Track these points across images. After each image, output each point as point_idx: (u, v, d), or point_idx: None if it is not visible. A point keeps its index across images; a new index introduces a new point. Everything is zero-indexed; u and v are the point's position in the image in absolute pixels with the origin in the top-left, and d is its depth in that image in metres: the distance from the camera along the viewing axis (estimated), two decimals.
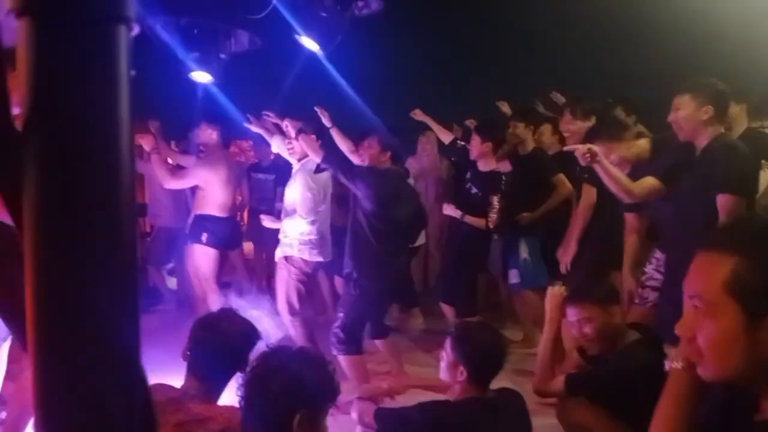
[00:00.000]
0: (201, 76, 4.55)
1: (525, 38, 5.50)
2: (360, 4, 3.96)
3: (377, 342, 3.81)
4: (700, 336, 1.00)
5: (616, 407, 2.36)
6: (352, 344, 3.53)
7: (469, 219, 4.29)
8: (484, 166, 4.32)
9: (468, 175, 4.41)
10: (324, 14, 3.82)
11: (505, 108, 4.97)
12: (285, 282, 3.93)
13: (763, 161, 3.97)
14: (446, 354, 2.27)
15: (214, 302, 4.34)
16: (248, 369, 1.65)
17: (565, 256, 3.82)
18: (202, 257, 4.60)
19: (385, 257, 3.55)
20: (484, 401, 2.21)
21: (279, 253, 4.00)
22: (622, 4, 4.90)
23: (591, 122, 3.87)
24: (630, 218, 3.36)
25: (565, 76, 5.08)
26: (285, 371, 1.56)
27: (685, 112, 2.84)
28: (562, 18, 5.21)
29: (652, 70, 4.16)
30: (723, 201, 2.66)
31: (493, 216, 4.21)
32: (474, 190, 4.35)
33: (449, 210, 4.39)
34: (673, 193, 2.97)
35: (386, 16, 4.33)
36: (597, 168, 2.90)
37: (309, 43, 4.02)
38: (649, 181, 3.01)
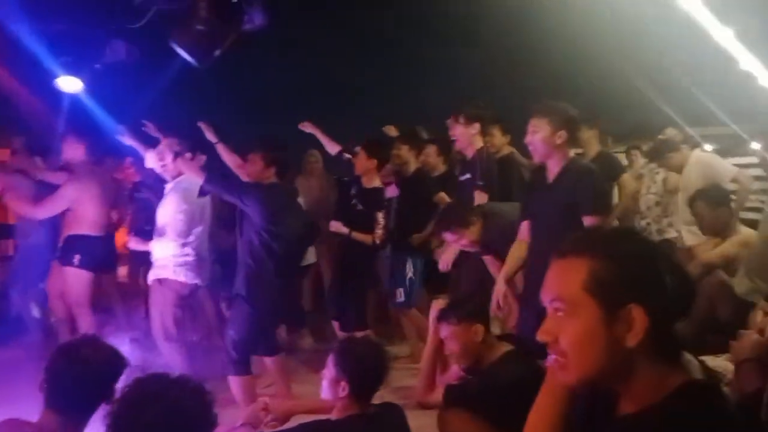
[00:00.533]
0: (69, 84, 4.28)
1: (415, 61, 5.65)
2: (243, 18, 3.89)
3: (267, 360, 3.75)
4: (562, 338, 1.06)
5: (492, 417, 2.43)
6: (243, 364, 3.47)
7: (356, 235, 4.32)
8: (368, 182, 4.39)
9: (353, 191, 4.45)
10: (200, 27, 3.72)
11: (392, 132, 5.06)
12: (159, 306, 3.75)
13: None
14: (328, 370, 2.25)
15: (88, 329, 4.06)
16: (117, 397, 1.54)
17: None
18: (74, 281, 4.29)
19: (276, 275, 3.50)
20: (365, 417, 2.20)
21: (152, 276, 3.80)
22: (499, 28, 5.18)
23: (475, 128, 4.04)
24: None
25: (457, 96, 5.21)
26: (159, 400, 1.47)
27: (541, 135, 2.99)
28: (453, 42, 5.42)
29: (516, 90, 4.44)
30: (589, 222, 2.85)
31: (379, 232, 4.28)
32: (359, 207, 4.39)
33: (336, 226, 4.39)
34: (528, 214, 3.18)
35: (275, 31, 4.31)
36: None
37: (187, 55, 3.91)
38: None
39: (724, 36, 4.94)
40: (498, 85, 5.37)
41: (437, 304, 2.74)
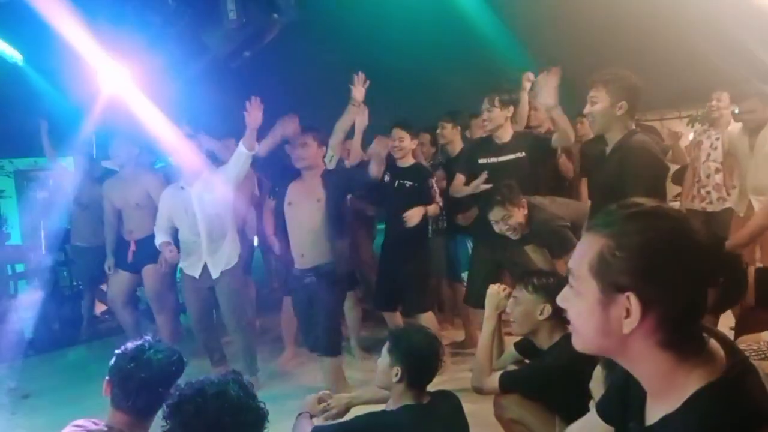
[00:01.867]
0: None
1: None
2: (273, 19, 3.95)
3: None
4: (568, 309, 1.08)
5: (549, 402, 2.42)
6: (335, 345, 3.79)
7: (430, 209, 4.13)
8: (404, 161, 4.26)
9: (387, 176, 4.22)
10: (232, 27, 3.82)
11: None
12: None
13: None
14: (382, 357, 2.28)
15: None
16: (179, 396, 1.60)
17: None
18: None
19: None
20: (420, 406, 2.22)
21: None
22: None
23: (509, 111, 3.92)
24: None
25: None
26: (219, 398, 1.54)
27: (601, 107, 2.82)
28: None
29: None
30: None
31: (440, 199, 4.24)
32: (408, 183, 4.21)
33: (415, 213, 4.05)
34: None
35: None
36: None
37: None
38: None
39: None
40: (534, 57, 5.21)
41: (493, 290, 2.71)
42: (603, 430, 1.29)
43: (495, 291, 2.69)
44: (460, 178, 4.12)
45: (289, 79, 5.63)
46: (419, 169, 4.29)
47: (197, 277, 4.15)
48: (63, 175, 5.37)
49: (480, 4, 5.19)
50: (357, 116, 4.09)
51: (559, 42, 5.19)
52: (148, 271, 4.59)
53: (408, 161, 4.24)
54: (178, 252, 4.17)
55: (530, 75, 4.20)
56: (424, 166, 4.47)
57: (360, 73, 3.96)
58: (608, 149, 2.88)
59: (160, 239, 4.13)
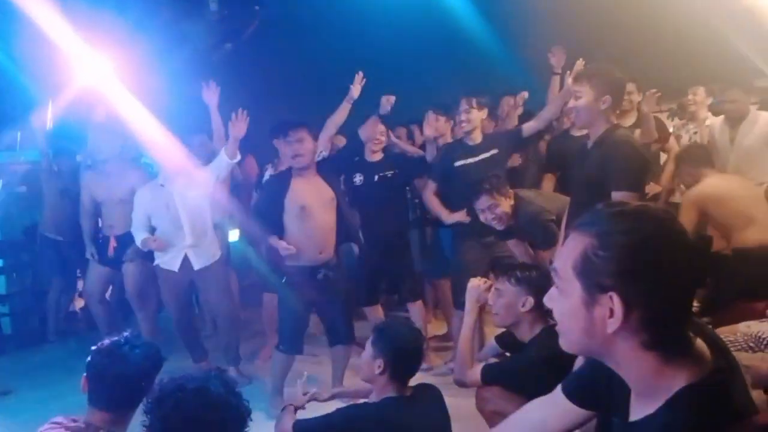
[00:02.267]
0: None
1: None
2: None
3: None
4: (554, 309, 1.08)
5: (530, 394, 2.42)
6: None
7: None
8: (376, 156, 4.30)
9: (360, 178, 4.29)
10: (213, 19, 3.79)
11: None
12: None
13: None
14: (365, 350, 2.29)
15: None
16: (157, 393, 1.58)
17: None
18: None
19: None
20: (402, 399, 2.23)
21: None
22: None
23: (484, 114, 4.03)
24: None
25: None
26: (198, 396, 1.52)
27: (585, 101, 2.80)
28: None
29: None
30: (618, 197, 2.67)
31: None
32: (390, 173, 4.28)
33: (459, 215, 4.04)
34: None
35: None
36: None
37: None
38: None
39: None
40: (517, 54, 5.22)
41: (474, 283, 2.70)
42: (565, 408, 1.31)
43: (475, 284, 2.69)
44: (431, 186, 4.15)
45: (270, 72, 5.56)
46: (394, 158, 4.38)
47: (176, 270, 4.13)
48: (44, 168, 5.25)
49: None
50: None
51: (547, 39, 5.19)
52: (130, 268, 4.55)
53: (379, 155, 4.29)
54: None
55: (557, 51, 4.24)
56: (396, 153, 4.52)
57: (360, 72, 4.04)
58: (590, 143, 2.87)
59: (140, 237, 4.08)
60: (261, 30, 4.58)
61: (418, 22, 5.32)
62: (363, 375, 2.32)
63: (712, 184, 3.76)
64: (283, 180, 3.68)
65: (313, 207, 3.56)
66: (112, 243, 4.57)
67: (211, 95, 4.21)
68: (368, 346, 2.29)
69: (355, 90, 4.07)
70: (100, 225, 4.76)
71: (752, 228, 3.62)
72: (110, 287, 4.95)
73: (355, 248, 4.48)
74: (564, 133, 4.41)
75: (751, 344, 2.83)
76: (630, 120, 4.22)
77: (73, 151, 5.23)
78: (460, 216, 3.93)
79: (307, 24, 5.43)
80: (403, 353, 2.24)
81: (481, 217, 3.60)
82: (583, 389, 1.28)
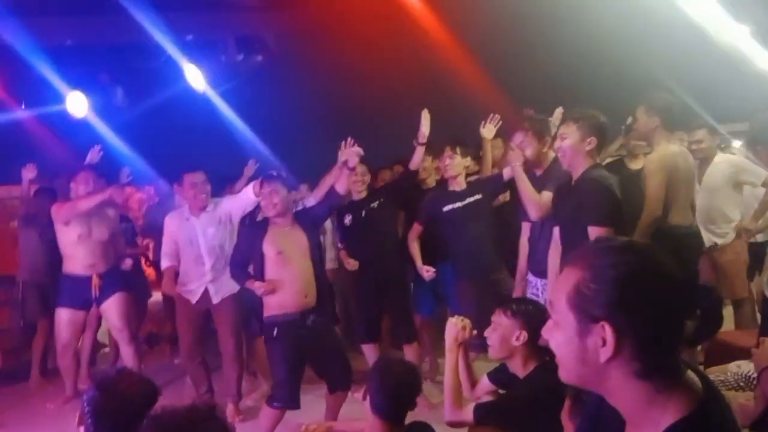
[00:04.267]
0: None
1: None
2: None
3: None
4: (551, 340, 1.12)
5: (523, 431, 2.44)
6: None
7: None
8: (362, 194, 4.43)
9: (349, 218, 4.40)
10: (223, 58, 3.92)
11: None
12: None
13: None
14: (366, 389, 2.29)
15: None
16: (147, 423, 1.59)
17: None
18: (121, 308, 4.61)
19: None
20: None
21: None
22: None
23: (467, 162, 4.16)
24: None
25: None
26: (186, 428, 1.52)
27: (570, 142, 2.98)
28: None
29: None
30: (592, 232, 2.82)
31: None
32: (378, 203, 4.39)
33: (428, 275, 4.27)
34: (554, 215, 3.20)
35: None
36: (516, 173, 3.36)
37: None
38: (547, 196, 3.29)
39: (741, 33, 4.91)
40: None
41: (451, 322, 2.69)
42: None
43: (453, 323, 2.68)
44: (416, 228, 4.28)
45: (263, 115, 5.69)
46: (378, 190, 4.53)
47: (194, 302, 4.20)
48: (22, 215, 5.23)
49: (452, 43, 5.30)
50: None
51: (532, 79, 5.35)
52: (114, 302, 4.50)
53: (364, 193, 4.41)
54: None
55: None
56: (379, 186, 4.66)
57: (349, 138, 4.08)
58: (573, 182, 3.03)
59: (165, 264, 4.19)
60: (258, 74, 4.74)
61: (401, 60, 5.46)
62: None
63: (672, 150, 3.81)
64: (260, 226, 3.77)
65: (290, 252, 3.59)
66: (96, 281, 4.47)
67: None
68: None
69: (346, 155, 3.96)
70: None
71: (674, 208, 3.73)
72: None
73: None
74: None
75: (741, 383, 2.87)
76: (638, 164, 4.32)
77: (53, 192, 5.20)
78: (428, 274, 4.17)
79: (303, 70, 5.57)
80: (403, 393, 2.26)
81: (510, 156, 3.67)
82: None
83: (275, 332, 3.53)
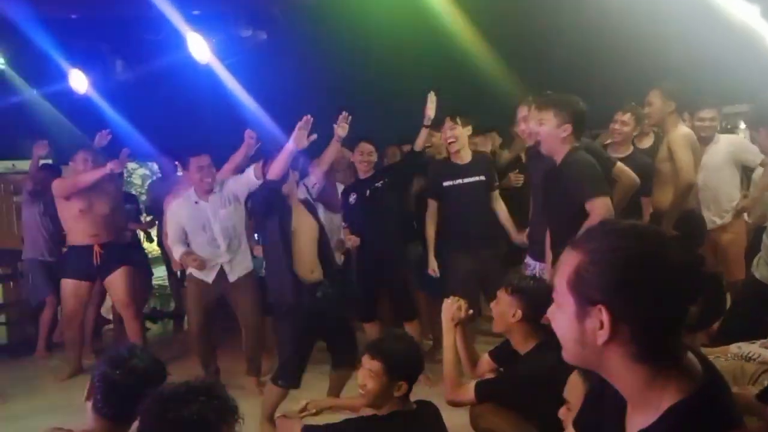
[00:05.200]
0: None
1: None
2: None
3: None
4: (553, 322, 1.14)
5: (525, 410, 2.48)
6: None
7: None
8: (368, 173, 4.45)
9: (354, 197, 4.42)
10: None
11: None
12: None
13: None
14: (372, 370, 2.25)
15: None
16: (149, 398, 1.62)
17: None
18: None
19: None
20: (408, 414, 2.26)
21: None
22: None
23: (469, 131, 4.12)
24: None
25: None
26: (186, 404, 1.55)
27: (548, 128, 3.04)
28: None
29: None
30: (590, 206, 2.86)
31: None
32: (381, 183, 4.38)
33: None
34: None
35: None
36: None
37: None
38: None
39: (751, 13, 4.84)
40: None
41: (447, 303, 2.73)
42: None
43: (448, 304, 2.72)
44: (432, 205, 4.24)
45: (268, 94, 5.66)
46: (383, 169, 4.53)
47: (210, 282, 4.19)
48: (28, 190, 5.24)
49: (464, 26, 5.23)
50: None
51: (540, 61, 5.30)
52: (119, 276, 4.56)
53: (370, 173, 4.40)
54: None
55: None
56: (385, 165, 4.68)
57: (344, 112, 4.10)
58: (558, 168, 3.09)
59: (179, 252, 4.10)
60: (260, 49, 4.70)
61: (418, 45, 5.40)
62: (376, 402, 2.26)
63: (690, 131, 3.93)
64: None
65: (298, 231, 3.58)
66: (98, 250, 4.54)
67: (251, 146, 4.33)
68: (381, 373, 2.24)
69: (341, 129, 4.10)
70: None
71: (668, 187, 3.81)
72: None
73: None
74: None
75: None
76: (627, 150, 4.25)
77: (57, 168, 5.26)
78: (434, 273, 4.18)
79: (305, 46, 5.52)
80: (411, 366, 2.28)
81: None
82: (590, 420, 1.32)
83: (284, 309, 3.54)
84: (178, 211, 4.17)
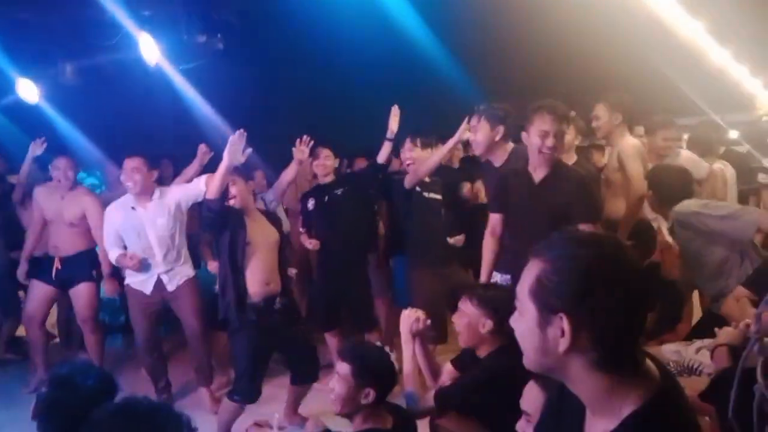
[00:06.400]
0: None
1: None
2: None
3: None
4: (516, 330, 1.15)
5: (484, 419, 2.46)
6: None
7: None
8: (328, 178, 4.39)
9: (312, 203, 4.38)
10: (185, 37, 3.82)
11: None
12: None
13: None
14: (342, 379, 2.23)
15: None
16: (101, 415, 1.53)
17: None
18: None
19: None
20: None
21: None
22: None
23: (429, 153, 4.14)
24: None
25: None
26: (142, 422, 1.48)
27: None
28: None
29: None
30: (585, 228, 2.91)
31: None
32: (342, 190, 4.35)
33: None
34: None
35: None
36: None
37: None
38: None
39: (695, 29, 5.04)
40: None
41: (405, 314, 2.69)
42: None
43: (407, 315, 2.68)
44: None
45: (231, 103, 5.56)
46: (345, 176, 4.52)
47: (148, 293, 4.04)
48: None
49: (427, 35, 5.27)
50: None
51: (504, 71, 5.39)
52: (84, 290, 4.44)
53: (330, 177, 4.36)
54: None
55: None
56: (347, 172, 4.66)
57: (304, 136, 4.22)
58: (536, 178, 3.16)
59: (114, 254, 3.98)
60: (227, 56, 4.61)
61: (384, 54, 5.41)
62: (344, 407, 2.24)
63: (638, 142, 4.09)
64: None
65: (255, 243, 3.53)
66: (57, 264, 4.45)
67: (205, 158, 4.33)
68: (345, 376, 2.23)
69: (299, 153, 4.21)
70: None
71: (619, 197, 3.97)
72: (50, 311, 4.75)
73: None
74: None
75: (685, 374, 2.89)
76: (569, 160, 4.27)
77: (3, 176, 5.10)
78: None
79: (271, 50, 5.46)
80: (389, 377, 2.26)
81: None
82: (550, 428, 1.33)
83: (238, 322, 3.45)
84: (114, 214, 4.03)
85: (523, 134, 3.14)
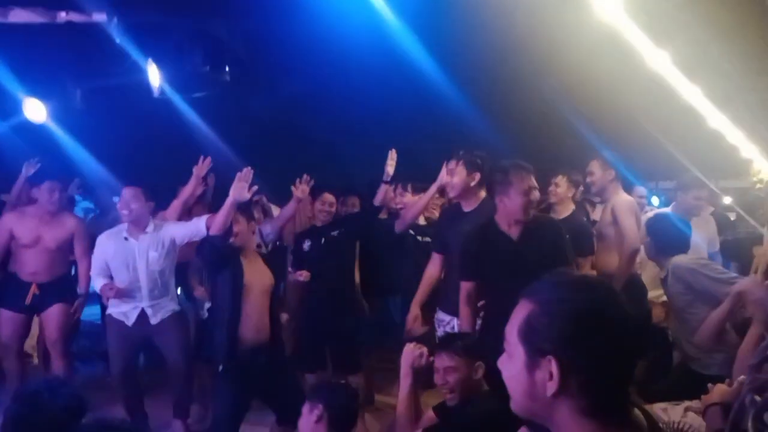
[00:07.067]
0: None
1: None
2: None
3: None
4: (503, 372, 1.12)
5: None
6: None
7: None
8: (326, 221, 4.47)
9: (308, 244, 4.42)
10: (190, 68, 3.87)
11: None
12: None
13: None
14: (311, 417, 2.29)
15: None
16: None
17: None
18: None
19: None
20: None
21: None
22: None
23: (418, 197, 4.24)
24: None
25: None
26: None
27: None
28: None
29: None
30: (583, 262, 3.23)
31: None
32: (336, 232, 4.38)
33: None
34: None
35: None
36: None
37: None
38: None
39: (692, 93, 5.11)
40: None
41: (408, 349, 2.69)
42: None
43: (410, 349, 2.67)
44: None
45: (235, 134, 5.62)
46: (341, 219, 4.54)
47: (130, 325, 3.98)
48: None
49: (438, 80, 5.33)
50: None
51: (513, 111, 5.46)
52: (54, 312, 4.37)
53: (329, 221, 4.40)
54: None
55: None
56: (343, 215, 4.71)
57: (305, 176, 4.31)
58: (515, 234, 3.15)
59: (99, 283, 3.94)
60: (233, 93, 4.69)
61: (381, 87, 5.47)
62: None
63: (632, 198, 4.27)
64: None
65: (252, 287, 3.52)
66: (34, 290, 4.37)
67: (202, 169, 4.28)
68: (315, 414, 2.30)
69: (299, 192, 4.29)
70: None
71: (611, 251, 4.00)
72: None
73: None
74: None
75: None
76: (567, 211, 4.37)
77: None
78: None
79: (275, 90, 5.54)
80: (352, 416, 2.30)
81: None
82: None
83: (221, 368, 3.43)
84: (106, 242, 4.01)
85: (498, 200, 3.11)
